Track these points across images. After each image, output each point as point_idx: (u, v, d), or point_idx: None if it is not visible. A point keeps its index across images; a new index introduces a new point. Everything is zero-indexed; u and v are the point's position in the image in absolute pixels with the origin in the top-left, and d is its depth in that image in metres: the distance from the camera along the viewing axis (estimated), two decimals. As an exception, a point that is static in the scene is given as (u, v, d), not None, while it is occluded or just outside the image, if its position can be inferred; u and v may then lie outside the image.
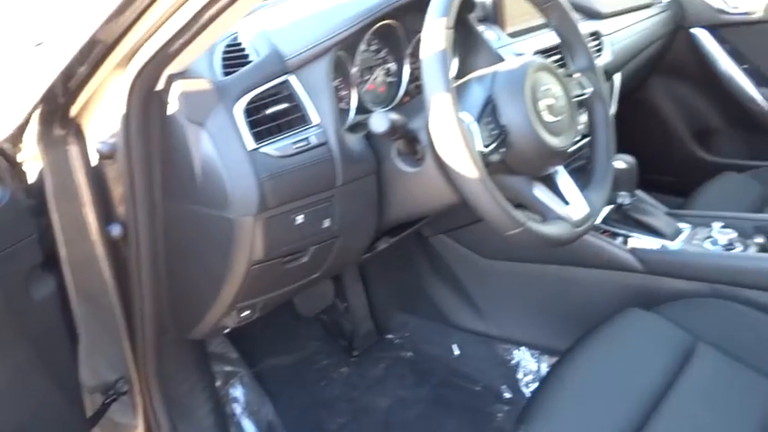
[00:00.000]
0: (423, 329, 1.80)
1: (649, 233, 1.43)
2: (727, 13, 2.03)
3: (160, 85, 0.87)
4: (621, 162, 1.42)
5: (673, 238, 1.40)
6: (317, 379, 1.70)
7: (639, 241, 1.41)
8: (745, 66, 2.05)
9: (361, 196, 1.04)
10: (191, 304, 1.10)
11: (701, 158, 2.21)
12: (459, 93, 0.98)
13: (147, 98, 0.87)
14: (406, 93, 1.23)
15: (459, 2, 0.91)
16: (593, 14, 1.65)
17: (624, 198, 1.46)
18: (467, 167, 0.86)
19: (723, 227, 1.37)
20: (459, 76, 1.21)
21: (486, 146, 0.92)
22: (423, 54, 0.88)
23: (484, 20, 1.37)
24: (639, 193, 1.57)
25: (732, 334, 1.17)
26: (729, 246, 1.33)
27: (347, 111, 1.13)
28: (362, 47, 1.14)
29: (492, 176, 0.94)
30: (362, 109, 1.15)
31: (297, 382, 1.68)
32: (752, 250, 1.31)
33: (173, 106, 0.89)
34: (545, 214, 1.01)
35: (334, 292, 1.71)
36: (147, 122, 0.89)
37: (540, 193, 1.01)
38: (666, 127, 2.24)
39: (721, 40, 2.06)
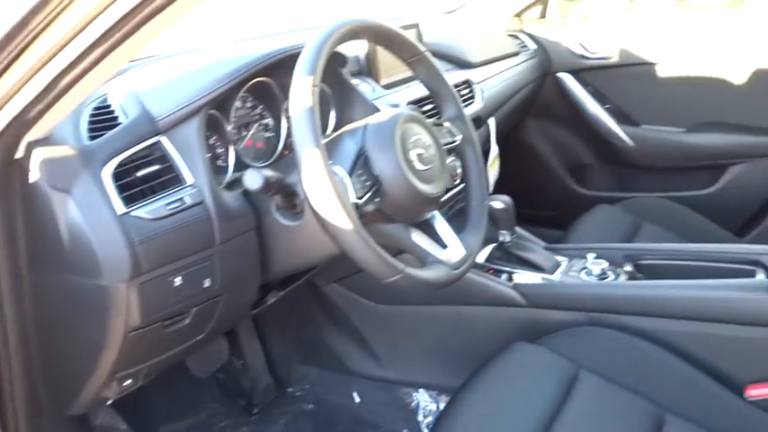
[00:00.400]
0: (323, 380, 1.78)
1: (530, 268, 1.50)
2: (588, 59, 2.20)
3: (20, 153, 0.84)
4: (499, 202, 1.49)
5: (552, 271, 1.48)
6: (215, 442, 1.65)
7: (522, 276, 1.48)
8: (608, 106, 2.22)
9: (243, 253, 1.04)
10: (67, 377, 1.04)
11: (577, 193, 2.36)
12: (333, 146, 1.01)
13: (5, 167, 0.83)
14: (285, 147, 1.25)
15: (324, 60, 0.94)
16: (464, 64, 1.75)
17: (505, 236, 1.53)
18: (341, 220, 0.88)
19: (596, 258, 1.46)
20: (337, 127, 1.25)
21: (360, 197, 0.94)
22: (291, 112, 0.90)
23: (358, 73, 1.42)
24: (519, 230, 1.65)
25: (610, 360, 1.24)
26: (602, 275, 1.42)
27: (225, 168, 1.13)
28: (237, 104, 1.15)
29: (370, 225, 0.96)
30: (241, 165, 1.15)
31: (194, 447, 1.62)
32: (622, 278, 1.40)
33: (35, 174, 0.86)
34: (424, 259, 1.04)
35: (228, 350, 1.67)
36: (7, 192, 0.85)
37: (418, 238, 1.05)
38: (543, 165, 2.38)
39: (585, 83, 2.23)
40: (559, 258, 1.53)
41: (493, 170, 1.80)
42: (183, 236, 0.94)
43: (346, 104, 1.30)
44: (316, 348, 1.77)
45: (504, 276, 1.50)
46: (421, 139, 1.04)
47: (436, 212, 1.11)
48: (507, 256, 1.54)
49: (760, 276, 1.30)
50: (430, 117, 1.37)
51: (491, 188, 1.81)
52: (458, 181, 1.39)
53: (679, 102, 2.15)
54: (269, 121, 1.24)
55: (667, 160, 2.18)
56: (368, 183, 0.96)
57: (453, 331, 1.56)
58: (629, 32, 2.21)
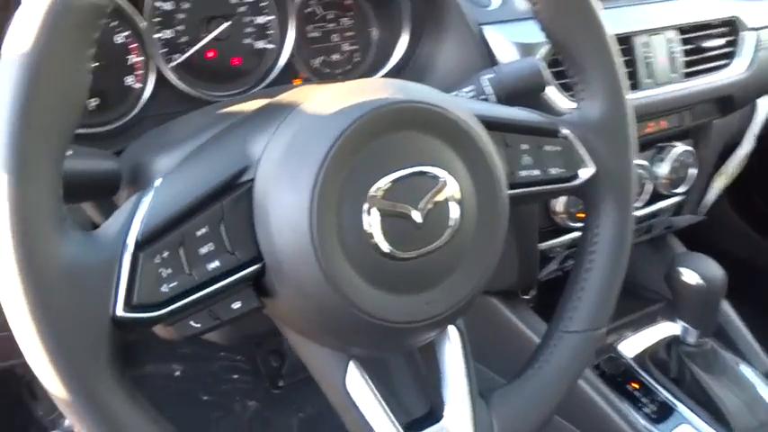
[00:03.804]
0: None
1: (708, 413, 0.79)
2: None
3: None
4: (695, 275, 0.77)
5: (747, 434, 0.76)
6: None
7: (682, 426, 0.78)
8: None
9: None
10: None
11: None
12: (209, 148, 0.42)
13: None
14: (290, 68, 0.67)
15: None
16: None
17: (687, 333, 0.82)
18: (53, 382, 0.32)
19: None
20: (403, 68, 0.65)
21: (166, 302, 0.36)
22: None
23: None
24: (731, 315, 0.92)
25: None
26: None
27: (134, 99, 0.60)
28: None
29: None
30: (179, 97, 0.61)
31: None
32: None
33: None
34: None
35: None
36: None
37: (359, 386, 0.43)
38: None
39: None
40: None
41: (720, 180, 1.02)
42: None
43: (428, 24, 0.66)
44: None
45: (655, 405, 0.81)
46: (423, 185, 0.39)
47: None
48: (679, 366, 0.83)
49: None
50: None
51: (707, 206, 1.03)
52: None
53: None
54: (265, 17, 0.66)
55: None
56: (218, 264, 0.37)
57: None
58: None
